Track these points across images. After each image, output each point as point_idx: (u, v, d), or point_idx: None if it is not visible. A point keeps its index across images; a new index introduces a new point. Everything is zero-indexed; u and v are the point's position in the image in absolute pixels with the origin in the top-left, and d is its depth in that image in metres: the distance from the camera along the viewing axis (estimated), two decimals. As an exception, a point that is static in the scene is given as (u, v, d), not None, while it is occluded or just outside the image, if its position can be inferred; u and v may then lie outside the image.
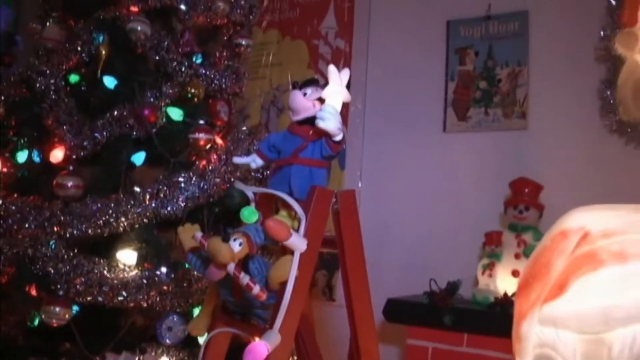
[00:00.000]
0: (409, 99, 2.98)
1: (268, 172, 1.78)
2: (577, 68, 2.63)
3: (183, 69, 2.12)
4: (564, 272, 0.77)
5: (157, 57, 2.10)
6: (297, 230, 1.33)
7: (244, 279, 1.25)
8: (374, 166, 3.05)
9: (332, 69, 1.42)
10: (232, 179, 1.91)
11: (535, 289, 0.79)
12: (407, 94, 2.99)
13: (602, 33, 2.58)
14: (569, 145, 2.60)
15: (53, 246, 1.89)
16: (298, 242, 1.30)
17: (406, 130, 2.96)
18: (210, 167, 1.96)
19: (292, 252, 1.31)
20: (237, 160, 1.58)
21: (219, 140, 2.16)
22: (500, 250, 2.35)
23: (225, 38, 2.38)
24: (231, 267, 1.26)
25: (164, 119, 2.07)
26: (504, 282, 2.29)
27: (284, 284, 1.29)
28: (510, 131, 2.71)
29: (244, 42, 2.33)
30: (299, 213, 1.35)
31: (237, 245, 1.27)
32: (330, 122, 1.37)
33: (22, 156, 2.20)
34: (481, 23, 2.85)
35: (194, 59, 2.22)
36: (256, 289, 1.25)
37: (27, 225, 1.90)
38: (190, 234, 1.38)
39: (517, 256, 2.31)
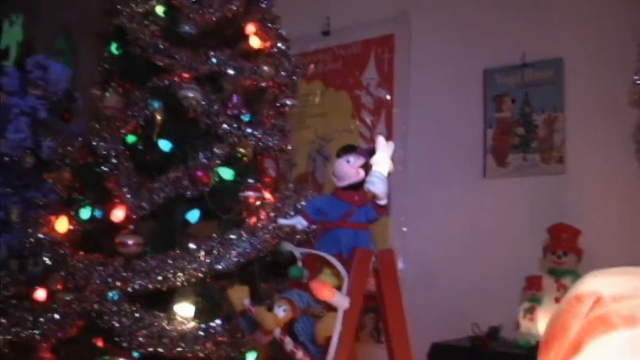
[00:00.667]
0: (449, 145, 3.09)
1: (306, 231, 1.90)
2: (612, 113, 2.71)
3: (232, 130, 2.27)
4: (579, 334, 0.86)
5: (208, 121, 2.25)
6: (340, 289, 1.45)
7: (289, 344, 1.38)
8: (417, 211, 3.15)
9: (380, 139, 1.55)
10: (281, 236, 2.03)
11: (554, 348, 0.88)
12: (448, 140, 3.10)
13: (635, 78, 2.66)
14: (607, 189, 2.67)
15: (116, 297, 2.04)
16: (341, 301, 1.41)
17: (447, 176, 3.07)
18: (260, 224, 2.10)
19: (336, 310, 1.43)
20: (283, 222, 1.72)
21: (267, 196, 2.30)
22: (541, 295, 2.42)
23: (271, 98, 2.52)
24: (277, 332, 1.39)
25: (216, 179, 2.21)
26: (545, 326, 2.36)
27: (329, 339, 1.40)
28: (549, 176, 2.80)
29: (288, 102, 2.48)
30: (342, 273, 1.47)
31: (281, 312, 1.40)
32: (379, 186, 1.50)
33: (85, 213, 2.37)
34: (517, 71, 2.95)
35: (242, 118, 2.38)
36: (299, 354, 1.37)
37: (92, 281, 2.06)
38: (239, 296, 1.51)
39: (557, 300, 2.37)
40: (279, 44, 2.55)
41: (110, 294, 2.00)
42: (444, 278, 2.97)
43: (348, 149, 1.63)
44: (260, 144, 2.34)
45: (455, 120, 3.09)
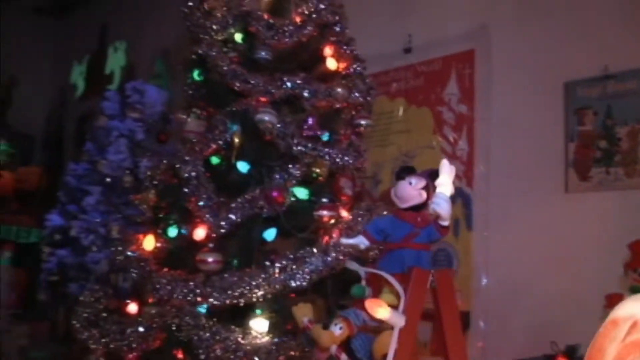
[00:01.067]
0: (531, 160, 3.07)
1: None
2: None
3: (307, 151, 2.36)
4: (615, 359, 0.88)
5: (284, 143, 2.34)
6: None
7: (343, 361, 1.44)
8: (500, 226, 3.14)
9: (444, 162, 1.60)
10: (352, 254, 2.09)
11: (593, 372, 0.91)
12: (529, 155, 3.08)
13: None
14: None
15: (198, 312, 2.16)
16: (397, 319, 1.46)
17: (529, 191, 3.04)
18: (332, 242, 2.17)
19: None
20: (345, 241, 1.78)
21: (344, 214, 2.36)
22: (622, 312, 2.36)
23: (347, 118, 2.60)
24: (333, 349, 1.46)
25: (292, 198, 2.30)
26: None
27: (385, 356, 1.45)
28: (632, 190, 2.73)
29: (363, 122, 2.54)
30: (399, 291, 1.51)
31: (337, 329, 1.47)
32: (444, 207, 1.54)
33: (172, 232, 2.51)
34: (599, 83, 2.90)
35: (321, 137, 2.47)
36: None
37: (175, 296, 2.19)
38: (302, 313, 1.59)
39: (638, 318, 2.32)
40: (355, 65, 2.62)
41: (191, 309, 2.12)
42: (526, 294, 2.94)
43: (408, 171, 1.67)
44: (335, 163, 2.41)
45: (537, 134, 3.07)
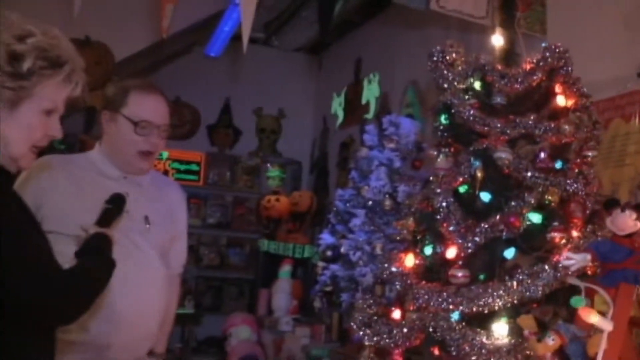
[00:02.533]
0: None
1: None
2: None
3: (540, 181, 2.75)
4: None
5: (519, 175, 2.76)
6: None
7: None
8: None
9: None
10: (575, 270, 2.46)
11: None
12: None
13: None
14: None
15: (452, 318, 2.66)
16: (604, 324, 1.83)
17: None
18: (561, 260, 2.55)
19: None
20: (572, 256, 2.17)
21: (575, 234, 2.72)
22: None
23: (577, 149, 2.94)
24: (548, 356, 1.87)
25: (527, 222, 2.72)
26: None
27: (596, 355, 1.83)
28: None
29: (590, 154, 2.88)
30: (608, 301, 1.89)
31: (550, 341, 1.88)
32: None
33: (428, 250, 3.03)
34: None
35: (555, 166, 2.85)
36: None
37: (431, 304, 2.70)
38: (525, 324, 2.02)
39: None
40: (582, 101, 2.96)
41: (444, 315, 2.63)
42: None
43: (614, 203, 2.04)
44: (566, 190, 2.78)
45: None
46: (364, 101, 6.99)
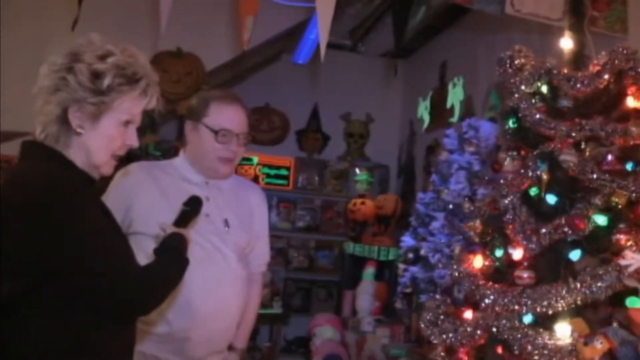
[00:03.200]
0: None
1: None
2: None
3: (607, 183, 2.76)
4: None
5: (584, 178, 2.79)
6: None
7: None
8: None
9: None
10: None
11: None
12: None
13: None
14: None
15: (524, 320, 2.71)
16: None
17: None
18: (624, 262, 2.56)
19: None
20: (629, 254, 2.20)
21: (644, 237, 2.72)
22: None
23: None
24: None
25: (592, 225, 2.74)
26: None
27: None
28: None
29: (658, 156, 2.87)
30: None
31: (598, 344, 1.92)
32: None
33: (499, 252, 3.09)
34: None
35: (619, 171, 2.86)
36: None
37: (497, 304, 2.76)
38: (577, 326, 2.06)
39: None
40: (651, 103, 2.95)
41: (508, 315, 2.68)
42: None
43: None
44: (633, 194, 2.78)
45: None
46: (448, 105, 7.02)
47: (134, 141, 2.20)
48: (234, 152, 3.05)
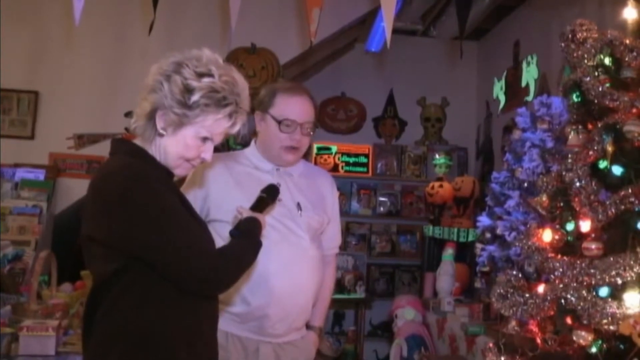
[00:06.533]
0: None
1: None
2: None
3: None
4: None
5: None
6: None
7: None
8: None
9: None
10: None
11: None
12: None
13: None
14: None
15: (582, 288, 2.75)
16: None
17: None
18: None
19: None
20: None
21: None
22: None
23: None
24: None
25: (658, 194, 2.74)
26: None
27: None
28: None
29: None
30: None
31: None
32: None
33: (570, 226, 3.12)
34: None
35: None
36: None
37: (566, 276, 2.81)
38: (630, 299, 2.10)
39: None
40: None
41: (576, 286, 2.73)
42: None
43: None
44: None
45: None
46: (523, 84, 6.98)
47: (207, 156, 2.39)
48: (298, 141, 3.19)
